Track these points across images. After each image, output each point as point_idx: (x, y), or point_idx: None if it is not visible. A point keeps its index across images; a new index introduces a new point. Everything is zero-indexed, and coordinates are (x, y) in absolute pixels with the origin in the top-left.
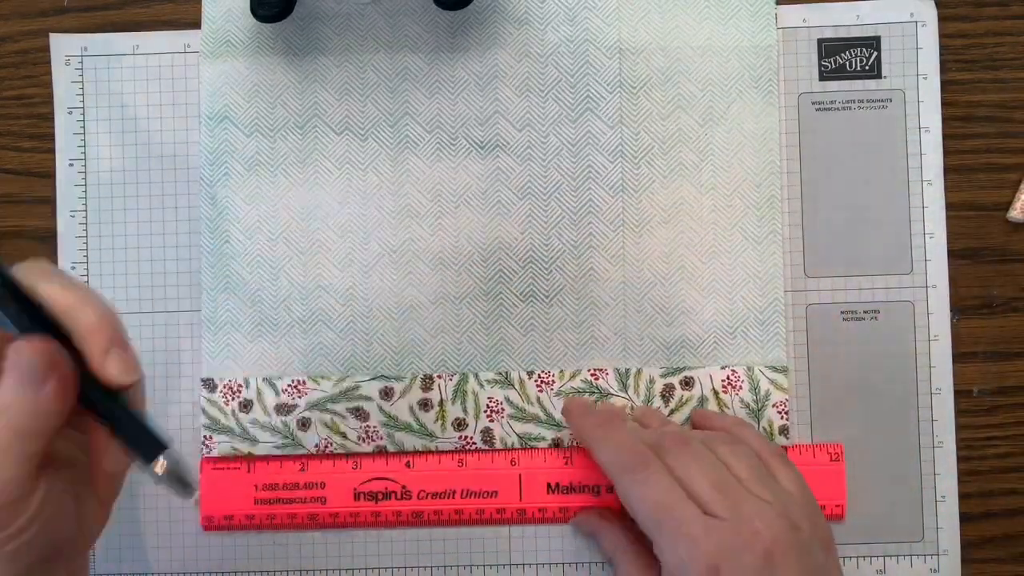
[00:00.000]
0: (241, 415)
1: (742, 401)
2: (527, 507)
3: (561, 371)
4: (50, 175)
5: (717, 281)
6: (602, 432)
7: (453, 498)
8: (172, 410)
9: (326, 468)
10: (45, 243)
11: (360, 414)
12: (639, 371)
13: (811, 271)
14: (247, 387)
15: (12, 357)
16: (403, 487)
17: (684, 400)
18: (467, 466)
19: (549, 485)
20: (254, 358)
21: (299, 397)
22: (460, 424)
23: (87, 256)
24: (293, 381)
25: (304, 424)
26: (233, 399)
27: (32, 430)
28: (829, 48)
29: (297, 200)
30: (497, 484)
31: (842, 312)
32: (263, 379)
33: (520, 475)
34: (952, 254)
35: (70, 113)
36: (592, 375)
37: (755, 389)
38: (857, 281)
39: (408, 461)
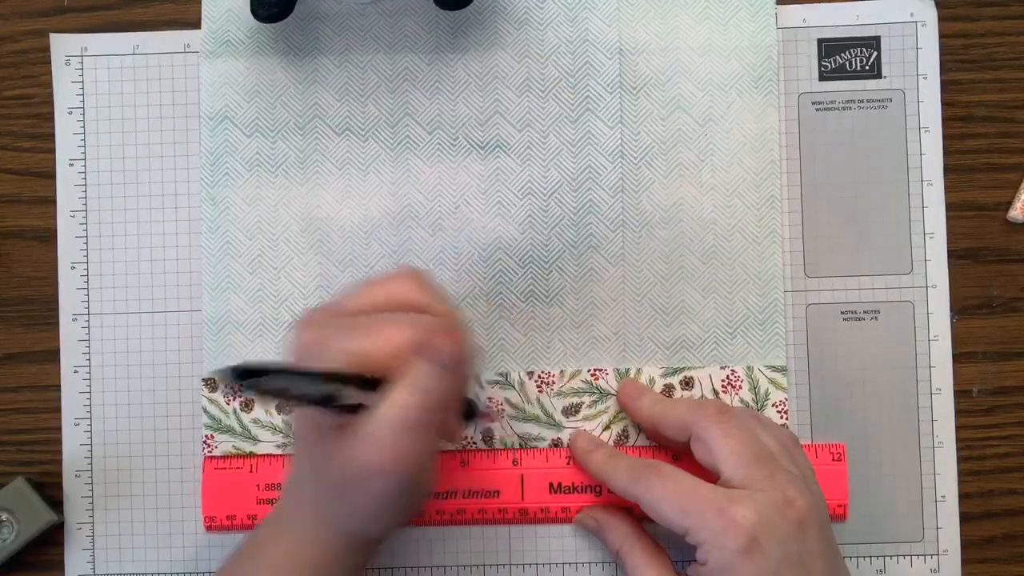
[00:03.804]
0: (242, 414)
1: (742, 401)
2: (529, 507)
3: (561, 371)
4: (50, 175)
5: (717, 281)
6: (612, 461)
7: (455, 498)
8: (173, 410)
9: None
10: (45, 243)
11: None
12: (639, 371)
13: (811, 271)
14: None
15: (442, 349)
16: None
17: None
18: (469, 466)
19: (551, 485)
20: (255, 358)
21: None
22: None
23: (87, 256)
24: None
25: None
26: (235, 399)
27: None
28: (829, 48)
29: (298, 201)
30: (499, 484)
31: (842, 312)
32: None
33: (522, 475)
34: (952, 254)
35: (70, 113)
36: (592, 375)
37: (755, 389)
38: (857, 281)
39: None
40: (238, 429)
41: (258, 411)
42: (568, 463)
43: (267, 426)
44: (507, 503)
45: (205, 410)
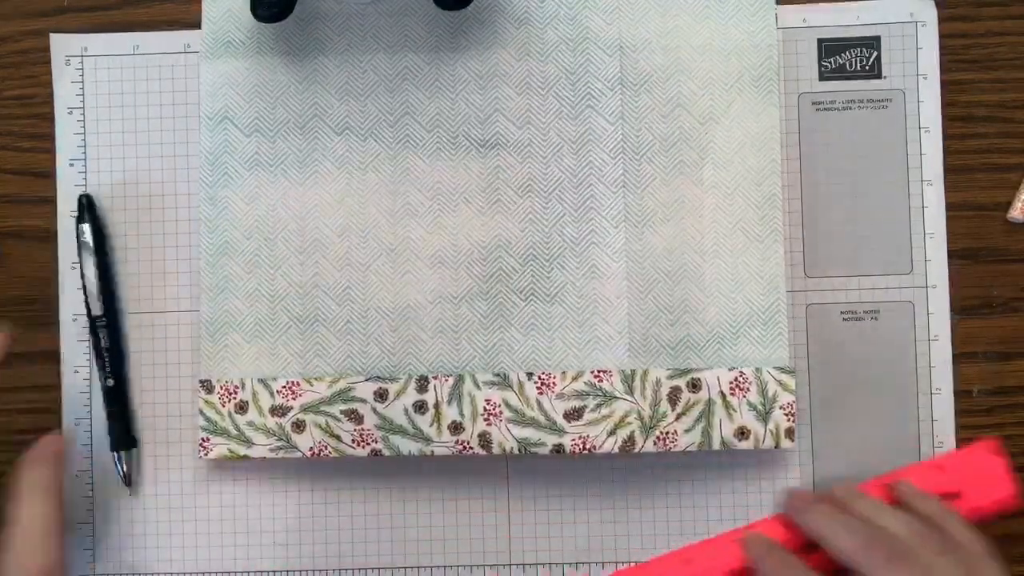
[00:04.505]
0: (237, 417)
1: (749, 404)
2: None
3: (563, 372)
4: (50, 175)
5: (719, 280)
6: (842, 520)
7: None
8: (172, 410)
9: None
10: (45, 243)
11: (354, 416)
12: (645, 373)
13: (811, 271)
14: (243, 389)
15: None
16: None
17: (691, 403)
18: None
19: None
20: (251, 359)
21: (293, 399)
22: (456, 427)
23: None
24: (288, 383)
25: (298, 426)
26: (230, 400)
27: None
28: (829, 48)
29: (296, 200)
30: None
31: (842, 312)
32: (258, 380)
33: None
34: (952, 254)
35: (70, 113)
36: (596, 377)
37: (763, 391)
38: (857, 281)
39: None
40: (233, 432)
41: (252, 413)
42: None
43: (260, 429)
44: None
45: (201, 412)
